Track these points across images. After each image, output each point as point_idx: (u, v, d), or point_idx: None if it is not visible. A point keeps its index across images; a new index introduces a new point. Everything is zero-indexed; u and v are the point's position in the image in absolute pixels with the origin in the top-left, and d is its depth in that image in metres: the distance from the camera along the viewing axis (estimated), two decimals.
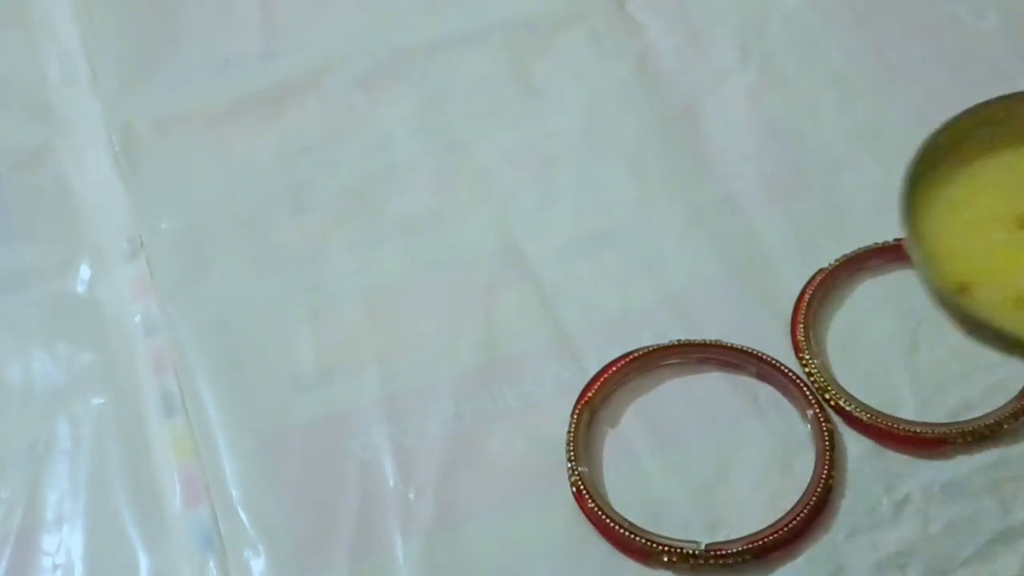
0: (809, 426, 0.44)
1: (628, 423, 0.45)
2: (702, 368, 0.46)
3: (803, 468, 0.43)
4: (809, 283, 0.47)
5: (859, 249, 0.48)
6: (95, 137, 0.55)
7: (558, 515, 0.43)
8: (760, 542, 0.41)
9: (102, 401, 0.47)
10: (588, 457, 0.44)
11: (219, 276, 0.50)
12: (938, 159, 0.38)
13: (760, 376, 0.45)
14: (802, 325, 0.46)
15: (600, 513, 0.42)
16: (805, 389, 0.44)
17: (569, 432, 0.44)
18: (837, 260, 0.48)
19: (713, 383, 0.46)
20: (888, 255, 0.48)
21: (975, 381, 0.44)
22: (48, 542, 0.43)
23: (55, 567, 0.43)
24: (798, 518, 0.41)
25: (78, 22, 0.59)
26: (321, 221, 0.51)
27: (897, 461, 0.43)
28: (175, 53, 0.57)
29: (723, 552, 0.41)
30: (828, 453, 0.43)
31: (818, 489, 0.42)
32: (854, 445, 0.44)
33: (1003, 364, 0.45)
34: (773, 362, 0.45)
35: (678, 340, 0.46)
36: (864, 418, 0.43)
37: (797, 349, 0.46)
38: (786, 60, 0.55)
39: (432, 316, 0.48)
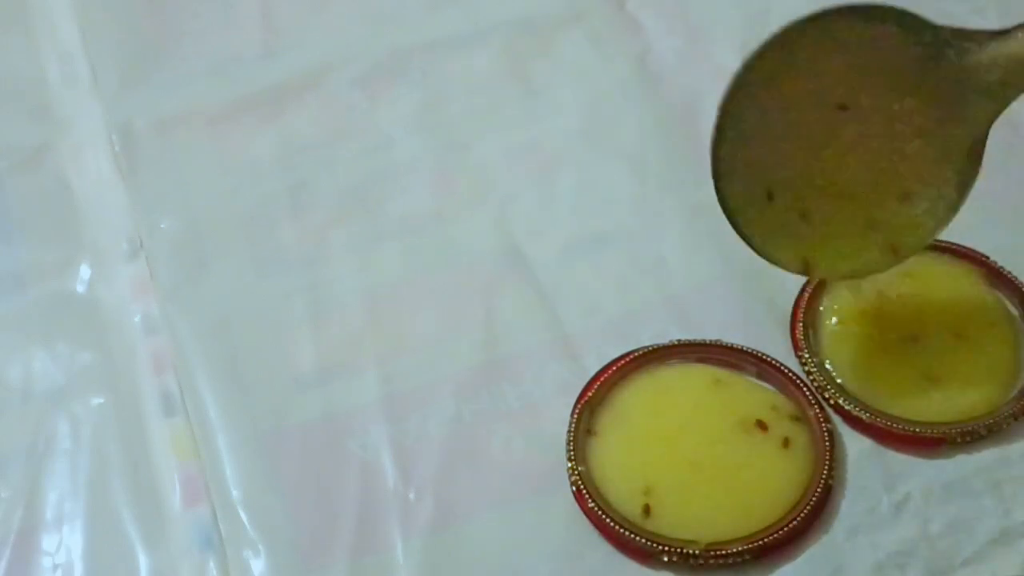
0: (809, 426, 0.44)
1: None
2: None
3: None
4: (809, 282, 0.47)
5: None
6: (95, 137, 0.55)
7: (558, 515, 0.43)
8: (760, 542, 0.41)
9: (102, 401, 0.47)
10: (588, 457, 0.44)
11: (219, 276, 0.50)
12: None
13: (760, 376, 0.45)
14: (802, 324, 0.46)
15: (600, 513, 0.42)
16: (805, 389, 0.44)
17: (569, 432, 0.44)
18: None
19: None
20: None
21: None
22: (48, 542, 0.43)
23: (55, 567, 0.43)
24: (798, 518, 0.41)
25: (78, 22, 0.59)
26: (321, 221, 0.51)
27: (897, 461, 0.43)
28: (175, 53, 0.57)
29: (723, 552, 0.41)
30: (828, 453, 0.43)
31: (818, 489, 0.42)
32: (854, 445, 0.44)
33: (1004, 364, 0.45)
34: (773, 362, 0.45)
35: (678, 340, 0.46)
36: (864, 418, 0.43)
37: (797, 349, 0.46)
38: None
39: (432, 316, 0.48)
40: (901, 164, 0.41)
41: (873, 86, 0.40)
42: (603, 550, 0.42)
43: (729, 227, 0.50)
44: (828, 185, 0.42)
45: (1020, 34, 0.39)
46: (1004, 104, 0.40)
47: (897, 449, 0.43)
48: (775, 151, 0.41)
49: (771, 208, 0.41)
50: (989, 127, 0.40)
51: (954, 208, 0.41)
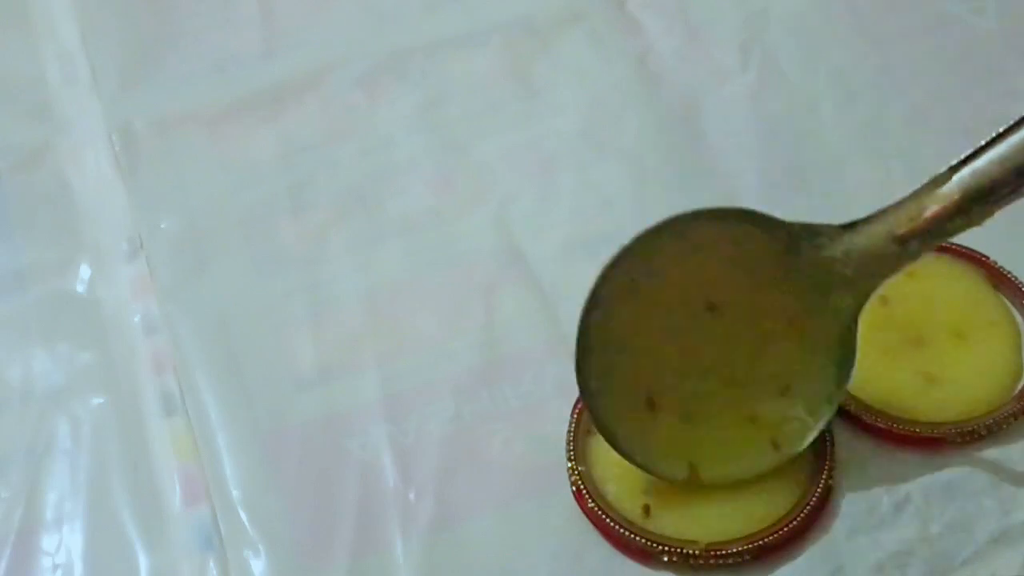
0: None
1: None
2: None
3: None
4: None
5: None
6: (95, 137, 0.55)
7: (558, 515, 0.43)
8: (760, 542, 0.41)
9: (102, 401, 0.47)
10: (588, 457, 0.44)
11: (219, 276, 0.50)
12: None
13: None
14: None
15: (600, 513, 0.42)
16: None
17: (569, 432, 0.44)
18: None
19: None
20: None
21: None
22: (48, 542, 0.43)
23: (55, 567, 0.43)
24: (798, 518, 0.41)
25: (78, 22, 0.59)
26: (321, 221, 0.51)
27: (897, 461, 0.43)
28: (175, 53, 0.57)
29: (723, 552, 0.41)
30: (828, 453, 0.43)
31: (818, 489, 0.42)
32: (854, 445, 0.44)
33: (1004, 364, 0.45)
34: None
35: None
36: (864, 418, 0.43)
37: None
38: (786, 60, 0.55)
39: (432, 316, 0.48)
40: (775, 359, 0.41)
41: (737, 283, 0.41)
42: (603, 550, 0.42)
43: None
44: (708, 385, 0.41)
45: (865, 228, 0.39)
46: (864, 297, 0.40)
47: (897, 449, 0.43)
48: (650, 359, 0.41)
49: (653, 418, 0.41)
50: (856, 318, 0.40)
51: (833, 401, 0.41)
